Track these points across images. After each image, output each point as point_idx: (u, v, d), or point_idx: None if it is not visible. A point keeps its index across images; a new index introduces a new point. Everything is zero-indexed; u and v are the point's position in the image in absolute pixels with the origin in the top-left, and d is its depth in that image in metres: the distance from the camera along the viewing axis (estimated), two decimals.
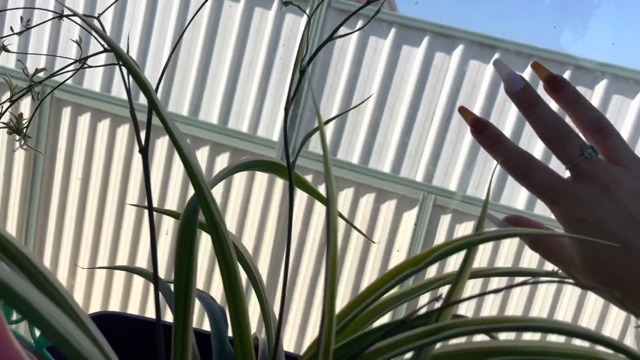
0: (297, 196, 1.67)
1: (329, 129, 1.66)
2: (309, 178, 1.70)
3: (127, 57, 0.34)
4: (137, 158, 1.75)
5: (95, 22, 0.33)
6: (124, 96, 1.70)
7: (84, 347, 0.25)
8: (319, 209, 1.71)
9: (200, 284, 1.78)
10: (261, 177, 1.72)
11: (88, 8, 1.72)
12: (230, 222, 1.73)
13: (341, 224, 1.69)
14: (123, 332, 0.34)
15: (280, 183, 1.71)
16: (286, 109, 0.31)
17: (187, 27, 0.36)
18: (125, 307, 1.85)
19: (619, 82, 1.50)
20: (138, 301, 1.86)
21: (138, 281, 1.84)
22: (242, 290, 0.27)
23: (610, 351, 0.24)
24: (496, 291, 0.19)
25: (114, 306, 1.84)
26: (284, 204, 1.72)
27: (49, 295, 0.24)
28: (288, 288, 1.73)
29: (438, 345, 0.23)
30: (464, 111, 0.38)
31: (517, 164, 0.37)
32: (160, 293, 0.34)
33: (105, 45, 0.33)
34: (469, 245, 0.24)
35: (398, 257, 1.66)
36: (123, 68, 0.37)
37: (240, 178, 1.72)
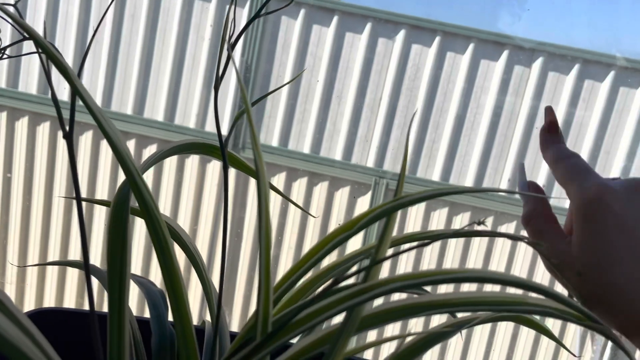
0: (232, 176, 1.66)
1: (278, 120, 1.66)
2: None
3: (45, 44, 0.33)
4: (62, 152, 1.70)
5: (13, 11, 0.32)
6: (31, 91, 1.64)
7: (26, 346, 0.24)
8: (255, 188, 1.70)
9: (139, 270, 1.75)
10: (192, 163, 1.70)
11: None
12: (164, 208, 1.71)
13: (296, 214, 1.70)
14: (61, 327, 0.33)
15: (213, 166, 1.69)
16: (215, 88, 0.31)
17: (105, 12, 0.35)
18: (60, 302, 1.80)
19: (554, 60, 1.56)
20: (74, 294, 1.81)
21: (73, 274, 1.79)
22: (177, 269, 0.27)
23: (542, 297, 0.25)
24: (409, 250, 0.20)
25: (49, 302, 1.79)
26: (219, 186, 1.70)
27: None
28: (230, 270, 1.72)
29: (376, 304, 0.24)
30: (550, 111, 0.39)
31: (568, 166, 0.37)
32: (100, 283, 0.33)
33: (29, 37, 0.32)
34: (391, 211, 0.25)
35: (354, 241, 1.67)
36: (43, 56, 0.36)
37: (170, 165, 1.70)
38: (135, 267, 1.74)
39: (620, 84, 1.54)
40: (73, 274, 1.79)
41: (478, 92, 1.60)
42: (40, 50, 0.33)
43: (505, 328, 1.69)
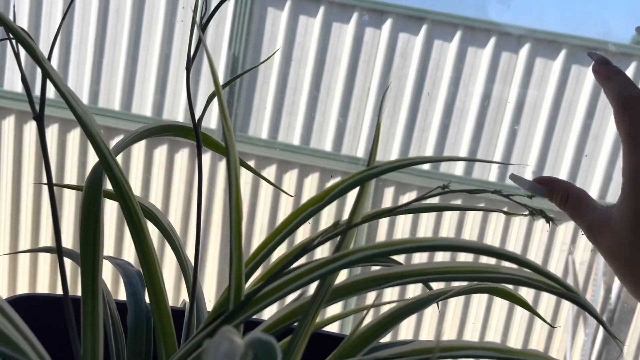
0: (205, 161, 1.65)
1: (267, 112, 1.65)
2: (251, 163, 1.69)
3: (15, 27, 0.33)
4: (28, 141, 1.69)
5: None
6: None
7: (9, 331, 0.24)
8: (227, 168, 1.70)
9: (111, 251, 1.75)
10: (160, 150, 1.69)
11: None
12: (135, 191, 1.70)
13: (288, 202, 1.69)
14: (36, 312, 0.33)
15: (181, 153, 1.69)
16: (187, 68, 0.31)
17: None
18: (33, 288, 1.80)
19: (542, 45, 1.56)
20: (47, 281, 1.81)
21: (45, 260, 1.78)
22: (151, 246, 0.27)
23: (514, 266, 0.25)
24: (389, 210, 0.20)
25: (22, 289, 1.78)
26: (189, 171, 1.70)
27: None
28: (203, 250, 1.72)
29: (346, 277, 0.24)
30: (592, 55, 0.40)
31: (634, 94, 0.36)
32: (73, 266, 0.33)
33: None
34: (362, 181, 0.25)
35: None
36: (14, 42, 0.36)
37: (139, 153, 1.69)
38: (108, 249, 1.73)
39: None
40: (45, 259, 1.78)
41: (466, 79, 1.60)
42: (11, 36, 0.33)
43: (479, 298, 1.70)
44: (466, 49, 1.59)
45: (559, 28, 1.56)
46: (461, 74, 1.59)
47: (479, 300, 1.69)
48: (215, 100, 0.33)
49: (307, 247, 0.21)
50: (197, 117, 0.36)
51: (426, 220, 1.66)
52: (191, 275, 0.32)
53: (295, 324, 0.25)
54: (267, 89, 1.64)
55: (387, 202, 1.67)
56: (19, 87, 1.69)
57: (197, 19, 0.32)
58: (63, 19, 0.31)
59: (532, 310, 0.35)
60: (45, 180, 1.55)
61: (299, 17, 1.63)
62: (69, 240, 1.71)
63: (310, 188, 1.69)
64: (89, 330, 0.26)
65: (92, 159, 1.71)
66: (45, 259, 1.78)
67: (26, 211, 1.74)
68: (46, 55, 0.33)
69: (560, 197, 0.36)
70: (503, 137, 1.60)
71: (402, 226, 1.67)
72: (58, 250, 0.27)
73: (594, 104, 1.54)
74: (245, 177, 1.63)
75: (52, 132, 1.68)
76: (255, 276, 0.31)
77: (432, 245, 0.23)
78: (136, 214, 0.27)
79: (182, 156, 1.69)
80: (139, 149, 1.70)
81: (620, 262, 0.31)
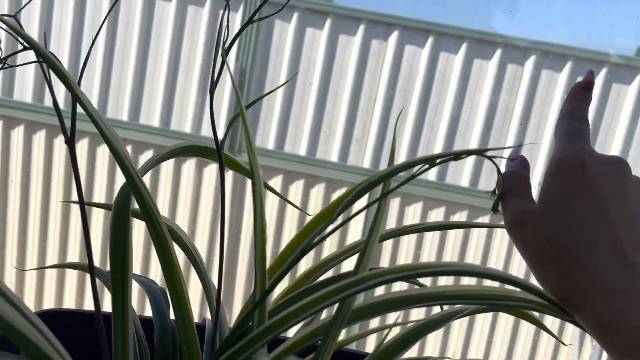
0: (229, 179, 1.67)
1: (274, 123, 1.67)
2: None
3: (46, 53, 0.34)
4: (58, 158, 1.71)
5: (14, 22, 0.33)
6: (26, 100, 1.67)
7: (43, 344, 0.25)
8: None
9: (137, 269, 1.76)
10: (188, 167, 1.70)
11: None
12: (162, 211, 1.72)
13: (294, 214, 1.70)
14: (63, 327, 0.33)
15: (209, 168, 1.70)
16: (211, 92, 0.32)
17: (102, 24, 0.36)
18: (60, 303, 1.81)
19: (547, 58, 1.57)
20: (73, 296, 1.82)
21: (72, 277, 1.79)
22: (177, 266, 0.28)
23: (518, 289, 0.26)
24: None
25: (49, 304, 1.79)
26: (216, 189, 1.71)
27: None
28: (229, 269, 1.73)
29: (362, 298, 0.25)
30: (590, 74, 0.40)
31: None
32: (98, 283, 0.34)
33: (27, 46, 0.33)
34: (369, 187, 0.26)
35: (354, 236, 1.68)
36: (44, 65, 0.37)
37: (167, 170, 1.71)
38: (134, 267, 1.74)
39: (613, 81, 1.56)
40: (72, 276, 1.79)
41: (472, 91, 1.61)
42: (40, 60, 0.34)
43: (506, 320, 1.70)
44: (472, 61, 1.60)
45: (565, 40, 1.57)
46: (467, 85, 1.60)
47: (484, 315, 1.69)
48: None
49: (306, 248, 0.22)
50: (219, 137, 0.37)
51: (431, 234, 1.66)
52: (214, 297, 0.32)
53: (318, 342, 0.26)
54: (274, 100, 1.66)
55: (393, 213, 1.67)
56: (29, 97, 1.71)
57: (221, 41, 0.33)
58: (91, 46, 0.32)
59: (547, 330, 0.36)
60: (69, 196, 1.56)
61: (306, 30, 1.64)
62: (94, 255, 1.72)
63: (316, 199, 1.70)
64: (119, 346, 0.27)
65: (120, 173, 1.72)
66: (72, 275, 1.79)
67: (54, 227, 1.76)
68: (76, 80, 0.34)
69: (513, 182, 0.37)
70: (508, 150, 1.60)
71: (407, 240, 1.68)
72: (90, 269, 0.27)
73: (600, 115, 1.55)
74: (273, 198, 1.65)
75: (82, 147, 1.70)
76: (279, 289, 0.32)
77: (445, 271, 0.24)
78: (163, 236, 0.28)
79: (211, 170, 1.71)
80: (167, 163, 1.71)
81: (536, 256, 0.31)
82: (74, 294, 1.81)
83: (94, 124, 0.30)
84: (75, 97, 0.32)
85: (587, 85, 0.39)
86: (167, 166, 1.70)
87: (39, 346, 0.24)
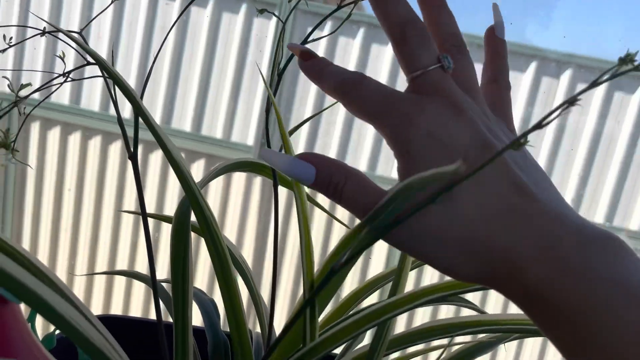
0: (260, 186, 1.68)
1: (304, 131, 1.68)
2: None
3: (111, 69, 0.35)
4: (112, 164, 1.75)
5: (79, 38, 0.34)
6: (94, 108, 1.70)
7: (105, 347, 0.26)
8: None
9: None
10: (238, 178, 1.72)
11: (66, 26, 1.70)
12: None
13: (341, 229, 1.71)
14: (125, 333, 0.35)
15: (257, 182, 1.72)
16: (267, 111, 0.33)
17: (164, 41, 0.37)
18: (127, 311, 1.84)
19: (582, 72, 1.55)
20: (140, 305, 1.84)
21: (139, 287, 1.82)
22: (235, 281, 0.29)
23: None
24: None
25: (116, 311, 1.82)
26: (262, 201, 1.73)
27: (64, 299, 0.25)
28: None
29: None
30: (293, 48, 0.34)
31: (348, 79, 0.31)
32: (146, 290, 0.35)
33: (89, 59, 0.34)
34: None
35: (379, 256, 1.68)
36: (109, 80, 0.38)
37: (217, 181, 1.73)
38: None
39: None
40: (140, 286, 1.82)
41: None
42: (105, 75, 0.35)
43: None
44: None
45: (601, 53, 1.55)
46: None
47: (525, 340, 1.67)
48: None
49: (334, 268, 0.22)
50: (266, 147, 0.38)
51: None
52: (265, 314, 0.33)
53: None
54: (304, 110, 1.67)
55: None
56: (65, 100, 1.75)
57: (277, 62, 0.34)
58: (153, 62, 0.33)
59: None
60: (120, 203, 1.59)
61: (339, 38, 1.65)
62: (143, 264, 1.75)
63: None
64: (179, 353, 0.27)
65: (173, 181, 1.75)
66: (120, 282, 1.82)
67: (105, 235, 1.79)
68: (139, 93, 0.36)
69: (335, 184, 0.30)
70: (542, 162, 1.58)
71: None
72: (152, 279, 0.29)
73: (637, 131, 1.52)
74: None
75: (156, 157, 1.74)
76: (326, 311, 0.33)
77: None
78: (223, 251, 0.29)
79: (259, 182, 1.73)
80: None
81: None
82: (141, 302, 1.84)
83: (155, 139, 0.31)
84: (139, 111, 0.33)
85: (308, 55, 0.34)
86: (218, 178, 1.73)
87: (101, 349, 0.25)
